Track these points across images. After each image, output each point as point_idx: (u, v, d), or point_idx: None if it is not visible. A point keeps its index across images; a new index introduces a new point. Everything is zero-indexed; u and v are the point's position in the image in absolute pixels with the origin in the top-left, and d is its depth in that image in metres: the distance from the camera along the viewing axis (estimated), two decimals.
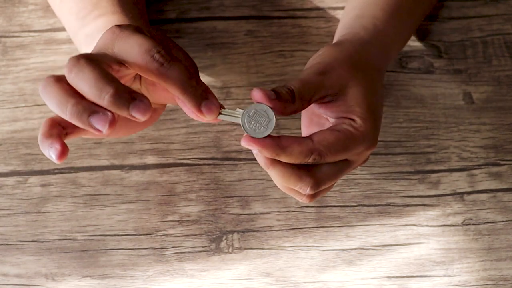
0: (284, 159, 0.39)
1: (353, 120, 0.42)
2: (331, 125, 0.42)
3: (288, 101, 0.40)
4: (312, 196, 0.43)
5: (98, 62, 0.37)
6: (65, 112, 0.36)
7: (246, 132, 0.40)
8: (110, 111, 0.36)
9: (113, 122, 0.36)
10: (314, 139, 0.40)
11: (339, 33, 0.50)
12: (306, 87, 0.41)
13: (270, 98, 0.39)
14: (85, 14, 0.49)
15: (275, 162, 0.40)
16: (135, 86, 0.43)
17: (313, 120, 0.46)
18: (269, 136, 0.39)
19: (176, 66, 0.39)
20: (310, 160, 0.40)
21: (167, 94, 0.43)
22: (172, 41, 0.42)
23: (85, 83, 0.36)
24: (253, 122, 0.40)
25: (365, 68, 0.45)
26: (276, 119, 0.40)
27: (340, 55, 0.44)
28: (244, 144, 0.39)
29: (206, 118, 0.40)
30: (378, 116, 0.44)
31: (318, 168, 0.41)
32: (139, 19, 0.51)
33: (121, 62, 0.39)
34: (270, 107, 0.40)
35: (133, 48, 0.38)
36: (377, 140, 0.43)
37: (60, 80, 0.37)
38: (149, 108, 0.36)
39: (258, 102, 0.40)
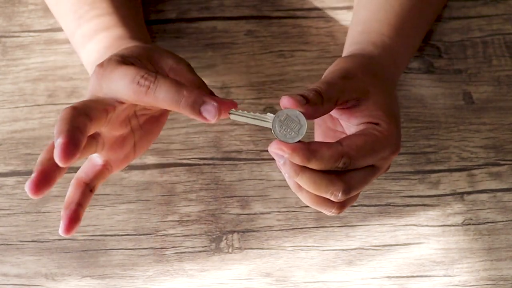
0: (314, 164, 0.39)
1: (377, 124, 0.42)
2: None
3: (317, 105, 0.39)
4: (342, 205, 0.42)
5: (86, 112, 0.38)
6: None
7: (277, 137, 0.39)
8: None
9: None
10: (343, 143, 0.39)
11: (348, 48, 0.50)
12: (332, 89, 0.40)
13: (301, 103, 0.39)
14: (81, 14, 0.49)
15: (304, 168, 0.39)
16: (134, 122, 0.44)
17: (328, 134, 0.46)
18: (298, 141, 0.39)
19: (162, 84, 0.39)
20: (340, 165, 0.39)
21: (159, 126, 0.46)
22: (157, 48, 0.43)
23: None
24: (284, 127, 0.39)
25: (382, 77, 0.45)
26: (307, 125, 0.40)
27: (358, 64, 0.44)
28: (274, 148, 0.38)
29: (212, 120, 0.40)
30: (399, 121, 0.44)
31: (347, 173, 0.40)
32: (135, 19, 0.51)
33: (117, 101, 0.40)
34: (301, 112, 0.39)
35: (119, 82, 0.39)
36: (400, 145, 0.43)
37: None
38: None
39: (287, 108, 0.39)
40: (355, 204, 0.52)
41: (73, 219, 0.40)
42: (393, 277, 0.50)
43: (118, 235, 0.52)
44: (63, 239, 0.51)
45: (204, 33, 0.58)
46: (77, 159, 0.37)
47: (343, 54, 0.51)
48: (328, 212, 0.42)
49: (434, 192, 0.53)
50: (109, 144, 0.42)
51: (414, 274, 0.50)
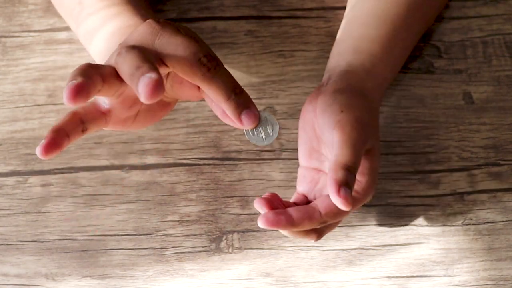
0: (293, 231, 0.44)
1: (360, 181, 0.45)
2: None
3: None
4: (320, 236, 0.46)
5: (142, 52, 0.36)
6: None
7: (250, 140, 0.41)
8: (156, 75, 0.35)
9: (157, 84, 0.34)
10: (322, 211, 0.43)
11: (336, 60, 0.50)
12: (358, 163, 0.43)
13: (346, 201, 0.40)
14: (85, 6, 0.49)
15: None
16: None
17: (313, 156, 0.47)
18: (279, 213, 0.42)
19: (223, 73, 0.39)
20: (317, 227, 0.44)
21: (191, 92, 0.43)
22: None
23: (127, 63, 0.36)
24: (257, 130, 0.41)
25: (376, 118, 0.48)
26: (279, 126, 0.41)
27: (366, 120, 0.45)
28: (262, 225, 0.42)
29: (245, 126, 0.40)
30: (379, 166, 0.47)
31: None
32: (143, 6, 0.50)
33: (162, 61, 0.38)
34: (271, 114, 0.42)
35: (178, 49, 0.38)
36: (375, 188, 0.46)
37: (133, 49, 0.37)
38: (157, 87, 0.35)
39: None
40: None
41: (56, 144, 0.37)
42: (393, 277, 0.50)
43: (118, 235, 0.52)
44: (63, 239, 0.51)
45: (204, 33, 0.58)
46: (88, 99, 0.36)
47: (332, 61, 0.51)
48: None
49: (434, 192, 0.53)
50: (123, 97, 0.40)
51: (414, 274, 0.50)
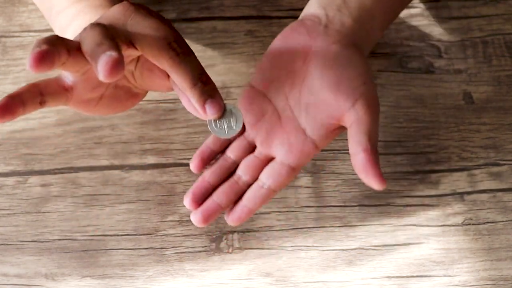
0: None
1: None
2: None
3: None
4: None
5: (108, 32, 0.36)
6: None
7: (213, 132, 0.42)
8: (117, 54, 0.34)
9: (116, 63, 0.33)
10: (272, 186, 0.46)
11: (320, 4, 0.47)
12: None
13: None
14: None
15: None
16: (129, 67, 0.42)
17: (272, 85, 0.46)
18: (210, 210, 0.46)
19: (191, 59, 0.38)
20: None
21: (161, 82, 0.43)
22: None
23: (89, 39, 0.35)
24: (220, 122, 0.41)
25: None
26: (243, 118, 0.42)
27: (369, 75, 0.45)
28: (198, 224, 0.46)
29: (208, 116, 0.40)
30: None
31: None
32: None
33: (131, 42, 0.38)
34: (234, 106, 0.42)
35: (148, 31, 0.38)
36: None
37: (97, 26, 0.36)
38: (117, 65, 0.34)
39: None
40: (355, 204, 0.52)
41: (9, 109, 0.35)
42: (393, 277, 0.50)
43: (118, 235, 0.52)
44: (63, 239, 0.51)
45: (204, 33, 0.58)
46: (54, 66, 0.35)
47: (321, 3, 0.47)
48: None
49: (434, 192, 0.53)
50: (87, 75, 0.39)
51: (414, 274, 0.50)
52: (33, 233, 0.52)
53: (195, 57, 0.39)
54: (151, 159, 0.54)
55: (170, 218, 0.52)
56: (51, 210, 0.52)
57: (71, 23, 0.47)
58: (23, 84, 0.56)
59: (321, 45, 0.45)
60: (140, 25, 0.38)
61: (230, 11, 0.59)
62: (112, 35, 0.35)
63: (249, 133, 0.47)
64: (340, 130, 0.45)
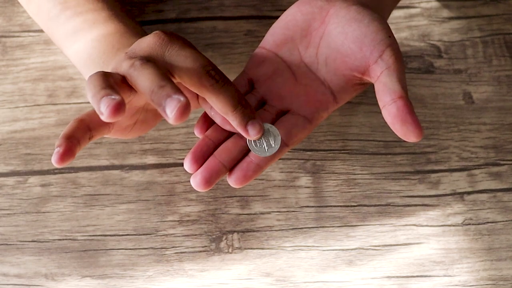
0: None
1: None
2: None
3: None
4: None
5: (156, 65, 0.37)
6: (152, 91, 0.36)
7: (253, 152, 0.42)
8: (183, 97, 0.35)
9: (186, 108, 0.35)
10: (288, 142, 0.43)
11: None
12: None
13: None
14: (64, 8, 0.48)
15: None
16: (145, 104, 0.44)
17: (286, 46, 0.45)
18: (210, 171, 0.42)
19: (230, 85, 0.40)
20: None
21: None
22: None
23: (145, 78, 0.36)
24: (259, 141, 0.42)
25: None
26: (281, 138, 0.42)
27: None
28: (198, 188, 0.42)
29: (250, 137, 0.41)
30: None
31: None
32: (129, 15, 0.50)
33: (171, 73, 0.39)
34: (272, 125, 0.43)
35: (187, 61, 0.39)
36: None
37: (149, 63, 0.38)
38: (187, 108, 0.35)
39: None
40: (355, 204, 0.52)
41: (71, 152, 0.37)
42: (393, 277, 0.50)
43: (118, 235, 0.52)
44: (63, 239, 0.51)
45: (204, 33, 0.58)
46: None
47: None
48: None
49: (434, 192, 0.53)
50: (128, 105, 0.41)
51: (414, 274, 0.50)
52: (33, 233, 0.52)
53: (231, 82, 0.41)
54: (151, 159, 0.54)
55: (170, 218, 0.52)
56: (51, 210, 0.52)
57: (88, 30, 0.47)
58: (22, 84, 0.56)
59: (340, 6, 0.44)
60: (178, 56, 0.39)
61: (230, 11, 0.59)
62: (168, 76, 0.37)
63: (259, 89, 0.45)
64: (360, 87, 0.44)
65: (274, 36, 0.45)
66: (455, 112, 0.55)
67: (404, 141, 0.54)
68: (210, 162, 0.42)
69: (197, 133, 0.44)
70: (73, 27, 0.47)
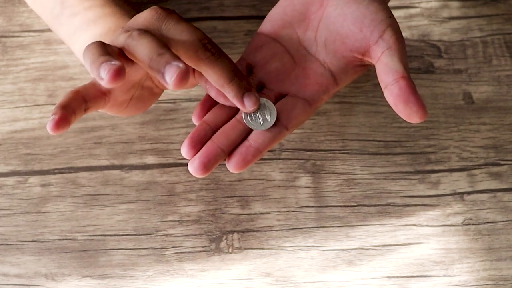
0: None
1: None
2: None
3: None
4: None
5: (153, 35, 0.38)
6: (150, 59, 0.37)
7: (249, 126, 0.42)
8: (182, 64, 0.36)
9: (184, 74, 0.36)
10: (288, 126, 0.43)
11: None
12: None
13: None
14: (68, 5, 0.49)
15: None
16: (142, 80, 0.44)
17: (285, 30, 0.45)
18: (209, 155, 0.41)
19: (225, 57, 0.40)
20: None
21: (150, 100, 0.45)
22: None
23: (144, 46, 0.37)
24: (255, 115, 0.42)
25: None
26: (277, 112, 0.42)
27: None
28: (195, 173, 0.41)
29: (246, 109, 0.41)
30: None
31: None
32: (130, 9, 0.50)
33: (166, 45, 0.39)
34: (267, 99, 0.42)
35: (184, 35, 0.39)
36: None
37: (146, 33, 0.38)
38: (187, 73, 0.36)
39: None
40: (355, 204, 0.52)
41: (66, 120, 0.37)
42: (393, 277, 0.50)
43: (118, 235, 0.52)
44: (63, 239, 0.51)
45: None
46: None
47: None
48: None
49: (434, 192, 0.53)
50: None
51: (414, 274, 0.50)
52: (33, 233, 0.52)
53: (227, 55, 0.41)
54: (151, 159, 0.54)
55: (170, 218, 0.52)
56: (51, 210, 0.52)
57: (91, 26, 0.47)
58: (22, 84, 0.56)
59: None
60: (174, 30, 0.40)
61: (230, 11, 0.59)
62: (166, 45, 0.37)
63: (257, 73, 0.44)
64: (360, 69, 0.44)
65: (272, 22, 0.45)
66: (455, 112, 0.55)
67: (404, 141, 0.54)
68: (208, 146, 0.41)
69: (195, 121, 0.43)
70: (77, 23, 0.48)
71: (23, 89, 0.56)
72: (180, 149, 0.54)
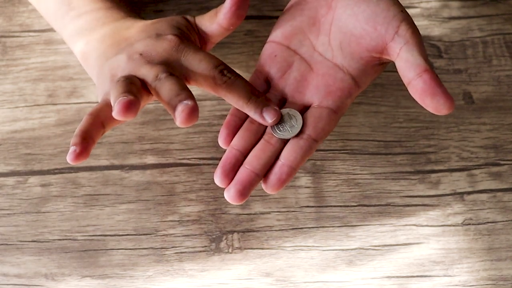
0: None
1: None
2: None
3: None
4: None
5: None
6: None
7: (280, 137, 0.42)
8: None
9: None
10: (314, 135, 0.43)
11: None
12: None
13: None
14: (74, 6, 0.49)
15: None
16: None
17: (296, 37, 0.45)
18: (245, 182, 0.41)
19: (240, 80, 0.42)
20: None
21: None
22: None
23: (168, 89, 0.39)
24: (281, 125, 0.43)
25: None
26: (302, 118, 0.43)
27: None
28: (233, 201, 0.41)
29: (268, 122, 0.42)
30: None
31: None
32: (132, 12, 0.50)
33: (186, 78, 0.42)
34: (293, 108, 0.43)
35: (202, 64, 0.42)
36: None
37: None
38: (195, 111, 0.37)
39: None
40: (355, 204, 0.52)
41: (87, 151, 0.38)
42: (393, 277, 0.50)
43: (118, 235, 0.52)
44: (63, 239, 0.51)
45: None
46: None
47: None
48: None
49: (434, 192, 0.53)
50: None
51: (414, 274, 0.50)
52: (33, 233, 0.52)
53: (242, 77, 0.42)
54: (151, 159, 0.54)
55: (170, 218, 0.52)
56: (51, 210, 0.52)
57: (94, 28, 0.47)
58: (22, 84, 0.56)
59: None
60: (193, 60, 0.42)
61: None
62: (185, 85, 0.39)
63: (276, 87, 0.44)
64: (380, 68, 0.43)
65: (282, 28, 0.45)
66: (455, 112, 0.55)
67: (404, 141, 0.54)
68: (242, 173, 0.41)
69: (223, 145, 0.43)
70: (81, 25, 0.48)
71: (23, 89, 0.56)
72: (179, 149, 0.54)
